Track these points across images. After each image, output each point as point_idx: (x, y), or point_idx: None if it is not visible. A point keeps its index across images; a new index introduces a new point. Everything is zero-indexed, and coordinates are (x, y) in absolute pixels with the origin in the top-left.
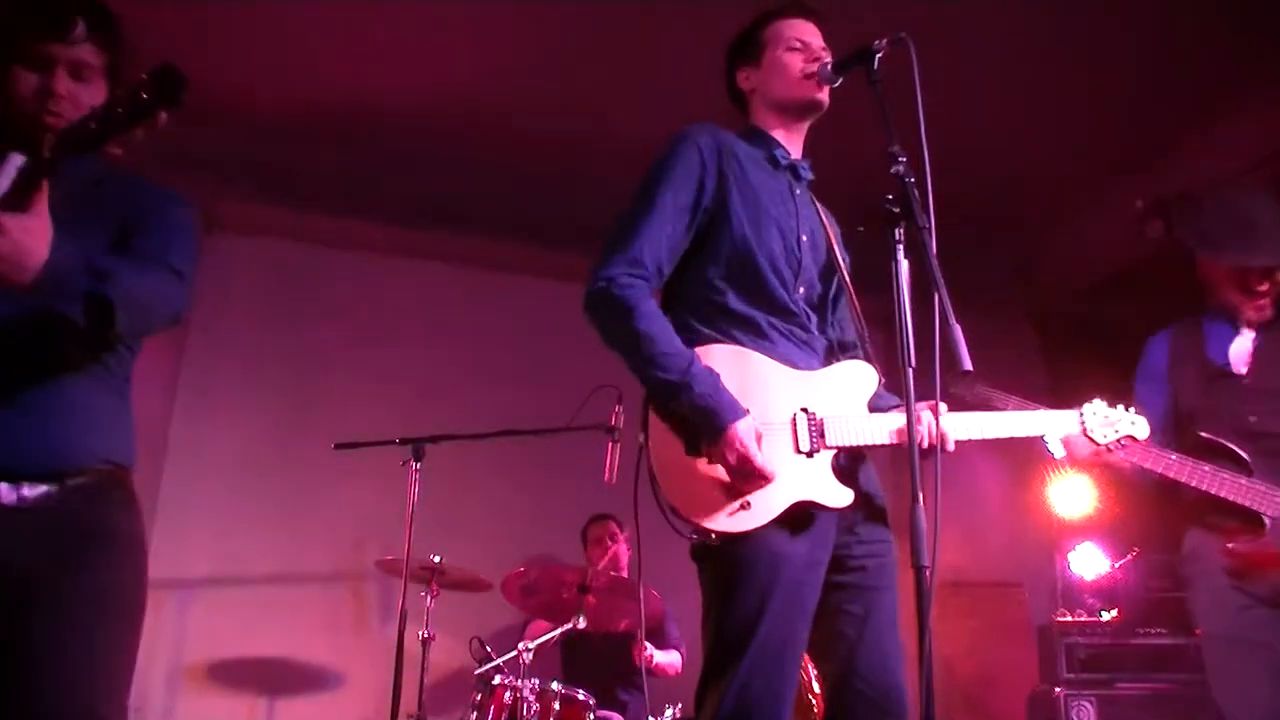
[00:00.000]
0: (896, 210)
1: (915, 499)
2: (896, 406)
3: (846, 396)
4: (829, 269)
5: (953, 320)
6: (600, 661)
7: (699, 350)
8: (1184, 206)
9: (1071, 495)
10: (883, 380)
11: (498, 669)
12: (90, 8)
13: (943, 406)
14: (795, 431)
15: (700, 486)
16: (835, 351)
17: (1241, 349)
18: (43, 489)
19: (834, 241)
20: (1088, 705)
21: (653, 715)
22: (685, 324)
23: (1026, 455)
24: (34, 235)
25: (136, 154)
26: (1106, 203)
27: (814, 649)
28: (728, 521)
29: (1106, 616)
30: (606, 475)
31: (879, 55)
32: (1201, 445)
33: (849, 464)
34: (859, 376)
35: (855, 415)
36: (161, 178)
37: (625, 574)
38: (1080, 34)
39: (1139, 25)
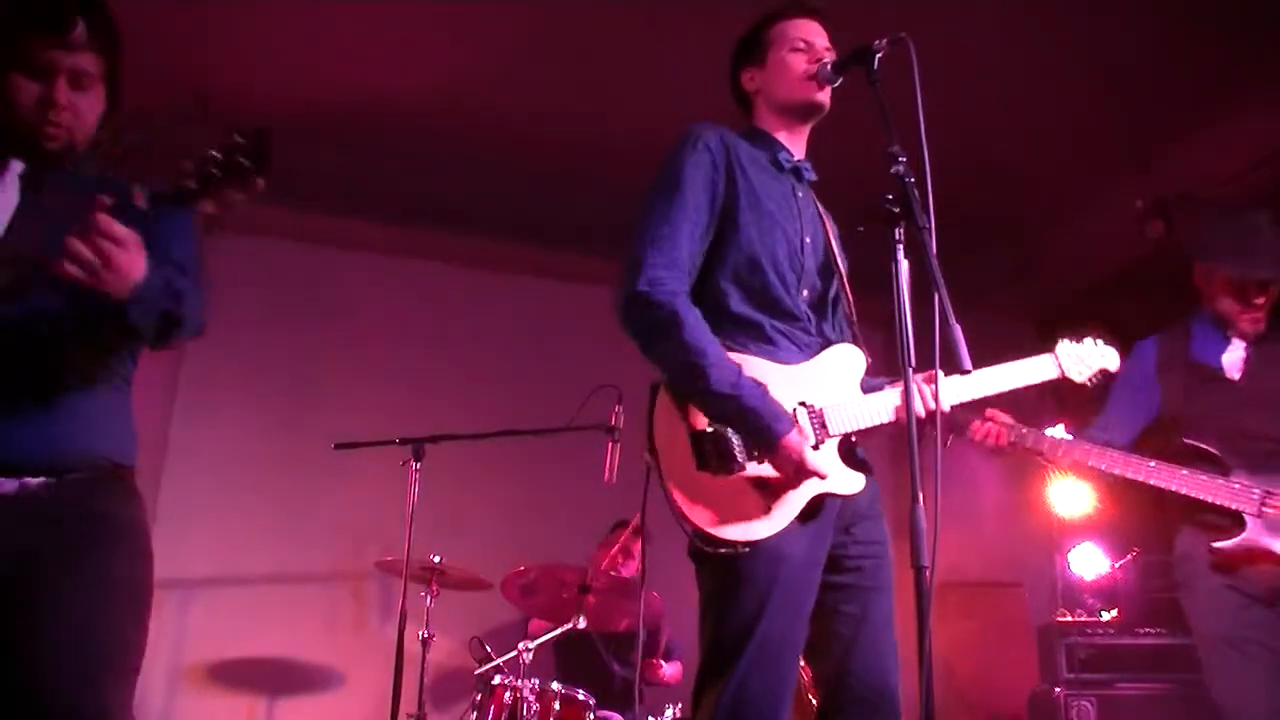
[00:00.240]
0: (896, 210)
1: (915, 499)
2: (889, 381)
3: (839, 383)
4: (828, 271)
5: (953, 320)
6: (593, 671)
7: None
8: (1184, 207)
9: (1071, 495)
10: (869, 360)
11: (498, 669)
12: (91, 11)
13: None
14: (798, 427)
15: (720, 500)
16: None
17: (1235, 357)
18: (43, 480)
19: (833, 243)
20: (1088, 705)
21: (653, 715)
22: None
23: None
24: (141, 254)
25: (138, 154)
26: (1106, 203)
27: (809, 649)
28: (755, 529)
29: (1106, 616)
30: (606, 475)
31: (879, 55)
32: (1184, 451)
33: (853, 452)
34: (847, 360)
35: (852, 400)
36: (162, 177)
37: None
38: (1080, 34)
39: (1139, 25)
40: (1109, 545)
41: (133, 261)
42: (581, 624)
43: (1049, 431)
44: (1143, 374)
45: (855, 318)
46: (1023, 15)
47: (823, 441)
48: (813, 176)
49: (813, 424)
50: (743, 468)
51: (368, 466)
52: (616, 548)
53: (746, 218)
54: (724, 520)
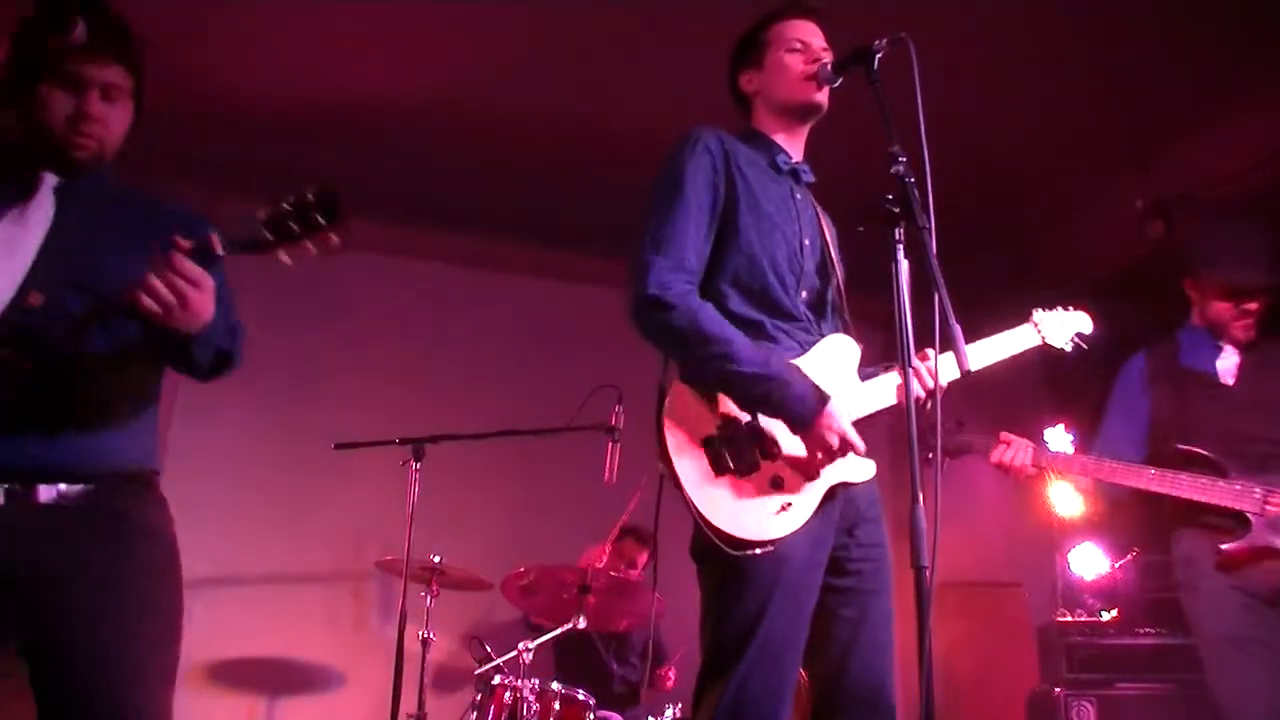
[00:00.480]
0: (896, 210)
1: (915, 499)
2: (885, 367)
3: (838, 372)
4: (826, 272)
5: (953, 320)
6: (593, 671)
7: None
8: (1184, 207)
9: (1071, 496)
10: (862, 348)
11: (498, 669)
12: (118, 31)
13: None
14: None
15: (739, 502)
16: None
17: (1229, 364)
18: (79, 487)
19: (830, 244)
20: (1088, 705)
21: (653, 716)
22: None
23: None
24: (212, 296)
25: (139, 155)
26: (1106, 203)
27: (804, 650)
28: (778, 526)
29: (1106, 616)
30: (606, 475)
31: (878, 55)
32: (1179, 456)
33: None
34: (841, 350)
35: (853, 387)
36: (162, 178)
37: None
38: (1080, 34)
39: (1139, 25)
40: (1109, 545)
41: (205, 303)
42: (581, 624)
43: (1053, 446)
44: (1134, 387)
45: (849, 319)
46: (1022, 15)
47: None
48: (811, 179)
49: None
50: (757, 467)
51: (368, 466)
52: (600, 549)
53: (746, 220)
54: (746, 521)
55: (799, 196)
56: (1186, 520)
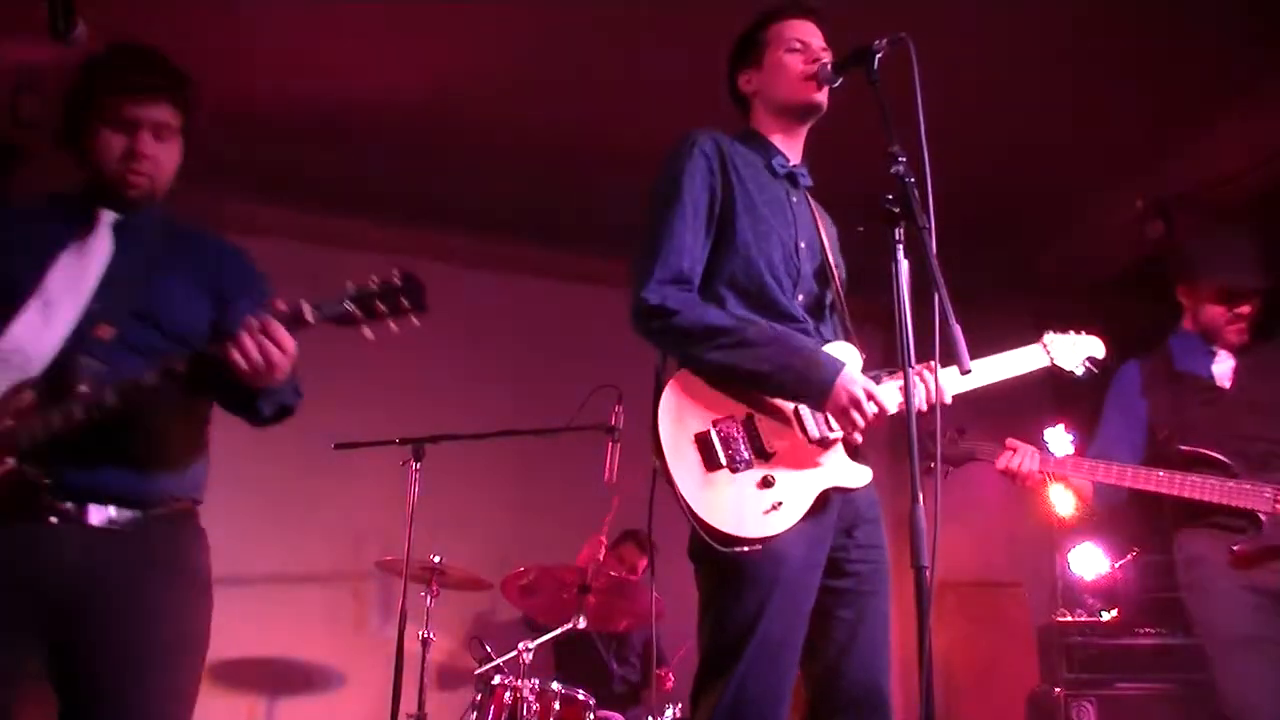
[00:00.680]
0: (896, 210)
1: (915, 499)
2: (887, 373)
3: None
4: (824, 275)
5: (953, 320)
6: (593, 671)
7: None
8: (1184, 207)
9: (1070, 496)
10: (864, 356)
11: (498, 669)
12: (170, 72)
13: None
14: (802, 422)
15: (730, 499)
16: None
17: (1224, 368)
18: (129, 514)
19: (827, 246)
20: (1088, 705)
21: (653, 716)
22: None
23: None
24: (292, 361)
25: None
26: (1106, 203)
27: (801, 650)
28: (768, 525)
29: (1106, 616)
30: (606, 475)
31: (878, 55)
32: (1183, 458)
33: (857, 448)
34: (843, 357)
35: None
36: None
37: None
38: (1081, 34)
39: (1139, 26)
40: (1109, 545)
41: (286, 366)
42: (581, 624)
43: (1053, 446)
44: (1130, 392)
45: (849, 322)
46: (1023, 15)
47: (827, 435)
48: (808, 182)
49: (817, 420)
50: (750, 464)
51: (368, 466)
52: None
53: (743, 222)
54: (736, 519)
55: (795, 199)
56: (1192, 521)
